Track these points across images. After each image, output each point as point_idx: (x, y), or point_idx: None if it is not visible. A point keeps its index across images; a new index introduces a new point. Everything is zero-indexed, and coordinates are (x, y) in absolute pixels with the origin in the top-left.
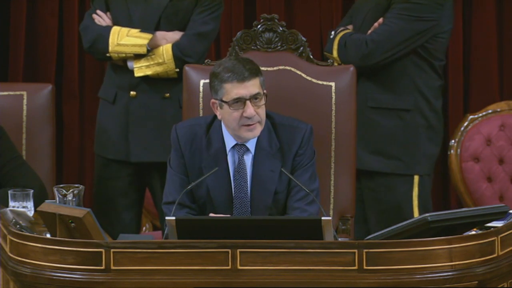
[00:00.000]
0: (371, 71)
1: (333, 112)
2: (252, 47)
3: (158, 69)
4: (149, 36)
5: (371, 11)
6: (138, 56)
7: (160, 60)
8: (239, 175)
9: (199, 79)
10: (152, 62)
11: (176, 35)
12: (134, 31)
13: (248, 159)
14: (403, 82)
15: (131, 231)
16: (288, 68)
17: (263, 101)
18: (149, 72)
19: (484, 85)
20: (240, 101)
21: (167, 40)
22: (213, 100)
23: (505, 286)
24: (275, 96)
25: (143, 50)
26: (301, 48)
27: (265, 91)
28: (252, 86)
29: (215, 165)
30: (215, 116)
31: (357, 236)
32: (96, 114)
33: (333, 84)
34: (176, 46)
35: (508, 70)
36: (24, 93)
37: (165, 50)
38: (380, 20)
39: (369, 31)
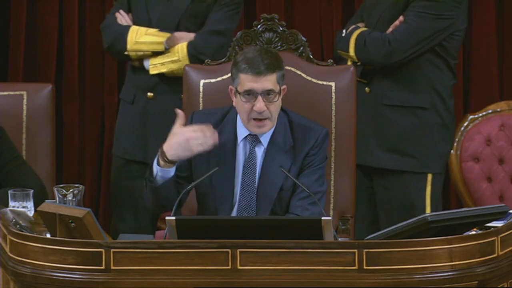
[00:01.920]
0: (388, 69)
1: (333, 112)
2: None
3: (173, 67)
4: (166, 34)
5: (388, 9)
6: (154, 55)
7: (175, 58)
8: (249, 166)
9: (199, 79)
10: (167, 60)
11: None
12: (152, 30)
13: (259, 151)
14: (419, 80)
15: (147, 232)
16: (288, 68)
17: (276, 98)
18: (163, 69)
19: (484, 85)
20: (251, 94)
21: (186, 41)
22: (230, 87)
23: (505, 286)
24: None
25: (161, 48)
26: (301, 48)
27: (283, 87)
28: (266, 82)
29: (222, 153)
30: (232, 106)
31: (362, 237)
32: (117, 115)
33: (333, 84)
34: (190, 44)
35: (508, 70)
36: (24, 93)
37: (181, 48)
38: (401, 18)
39: (390, 29)
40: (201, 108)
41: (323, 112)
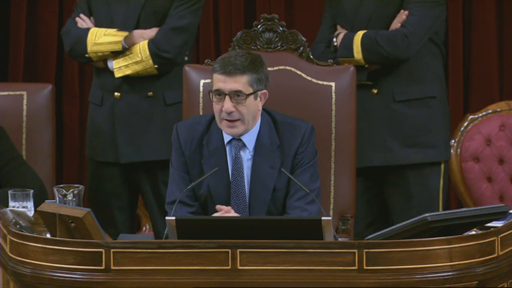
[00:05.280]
0: (391, 67)
1: (333, 112)
2: (252, 47)
3: (137, 68)
4: (124, 33)
5: (381, 7)
6: (116, 55)
7: (138, 59)
8: (236, 171)
9: (199, 79)
10: (130, 61)
11: (153, 32)
12: (111, 31)
13: (244, 155)
14: (423, 70)
15: (124, 232)
16: (288, 68)
17: (249, 100)
18: (128, 71)
19: (484, 85)
20: (221, 94)
21: (144, 38)
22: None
23: (505, 286)
24: (275, 96)
25: (118, 47)
26: (301, 48)
27: (263, 91)
28: (235, 82)
29: (214, 162)
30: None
31: (357, 236)
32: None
33: (333, 84)
34: (152, 42)
35: (508, 70)
36: (24, 93)
37: (142, 48)
38: (405, 12)
39: (398, 25)
40: (201, 108)
41: (323, 112)
